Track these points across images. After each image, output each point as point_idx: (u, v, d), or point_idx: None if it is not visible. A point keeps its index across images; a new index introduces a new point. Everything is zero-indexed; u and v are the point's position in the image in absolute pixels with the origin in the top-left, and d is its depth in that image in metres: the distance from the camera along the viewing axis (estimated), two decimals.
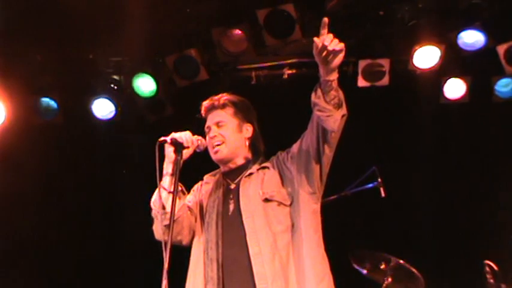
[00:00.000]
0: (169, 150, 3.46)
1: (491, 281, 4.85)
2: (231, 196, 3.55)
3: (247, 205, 3.44)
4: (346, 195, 5.23)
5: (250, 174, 3.58)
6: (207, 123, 3.71)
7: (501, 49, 6.31)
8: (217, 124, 3.64)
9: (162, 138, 3.43)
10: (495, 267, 4.89)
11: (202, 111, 3.74)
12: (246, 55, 6.31)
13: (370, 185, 5.30)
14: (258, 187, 3.50)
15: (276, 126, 6.25)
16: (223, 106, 3.67)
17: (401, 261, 5.12)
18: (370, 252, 5.28)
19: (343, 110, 3.27)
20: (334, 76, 3.21)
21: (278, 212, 3.42)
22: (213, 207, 3.53)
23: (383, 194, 5.26)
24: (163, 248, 3.10)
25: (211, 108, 3.69)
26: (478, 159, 6.87)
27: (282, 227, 3.40)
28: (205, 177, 3.82)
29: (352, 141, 6.78)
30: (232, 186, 3.61)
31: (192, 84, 6.46)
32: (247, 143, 3.70)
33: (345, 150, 6.70)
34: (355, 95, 6.66)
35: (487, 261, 4.91)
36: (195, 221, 3.61)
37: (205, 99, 3.82)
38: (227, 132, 3.62)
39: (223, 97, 3.72)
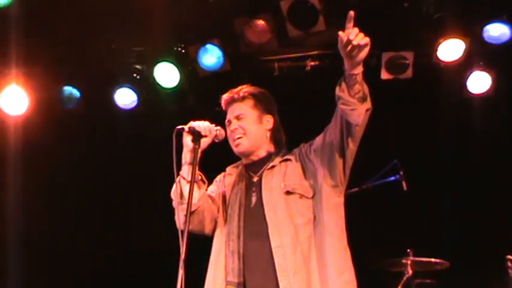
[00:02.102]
0: (187, 139, 3.45)
1: None
2: (254, 189, 3.54)
3: (269, 198, 3.44)
4: (368, 188, 5.21)
5: (273, 166, 3.57)
6: (228, 117, 3.70)
7: None
8: (238, 117, 3.63)
9: (179, 127, 3.41)
10: None
11: (222, 105, 3.73)
12: (268, 46, 6.29)
13: (392, 178, 5.29)
14: (280, 180, 3.49)
15: (299, 118, 6.24)
16: (242, 98, 3.65)
17: (420, 258, 5.12)
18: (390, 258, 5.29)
19: (368, 104, 3.25)
20: (359, 70, 3.19)
21: (300, 205, 3.42)
22: (235, 199, 3.53)
23: (405, 188, 5.24)
24: (180, 237, 3.09)
25: (231, 101, 3.68)
26: (502, 154, 6.80)
27: (304, 220, 3.39)
28: (228, 168, 3.81)
29: (375, 134, 6.79)
30: (255, 178, 3.60)
31: (215, 74, 6.45)
32: (268, 135, 3.69)
33: (367, 142, 6.74)
34: (379, 87, 6.67)
35: (510, 256, 4.88)
36: (218, 211, 3.61)
37: (226, 90, 3.81)
38: (247, 124, 3.61)
39: (243, 89, 3.70)
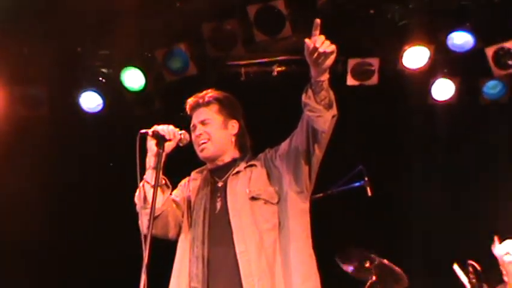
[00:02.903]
0: (151, 143, 3.43)
1: (474, 280, 4.88)
2: (219, 194, 3.54)
3: (234, 203, 3.43)
4: (333, 193, 5.23)
5: (238, 172, 3.57)
6: (193, 121, 3.69)
7: (489, 51, 6.34)
8: (203, 122, 3.61)
9: (143, 131, 3.39)
10: (478, 268, 4.92)
11: (187, 109, 3.72)
12: (235, 51, 6.30)
13: (357, 184, 5.32)
14: (245, 185, 3.49)
15: (265, 123, 6.26)
16: (207, 103, 3.64)
17: (385, 261, 5.14)
18: (356, 251, 5.30)
19: (334, 111, 3.27)
20: (325, 77, 3.21)
21: (265, 211, 3.41)
22: (200, 204, 3.52)
23: (369, 193, 5.27)
24: (143, 242, 3.07)
25: (196, 106, 3.67)
26: (465, 160, 6.89)
27: (269, 225, 3.39)
28: (193, 173, 3.80)
29: (340, 140, 6.85)
30: (220, 184, 3.60)
31: (181, 79, 6.43)
32: (233, 140, 3.69)
33: (333, 148, 6.79)
34: (345, 93, 6.72)
35: (471, 261, 4.94)
36: (182, 216, 3.60)
37: (193, 95, 3.81)
38: (212, 129, 3.60)
39: (208, 94, 3.69)
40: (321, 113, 3.23)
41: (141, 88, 6.44)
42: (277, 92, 6.59)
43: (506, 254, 5.05)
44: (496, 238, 5.22)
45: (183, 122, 3.69)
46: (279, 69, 6.70)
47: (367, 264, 5.21)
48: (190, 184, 3.72)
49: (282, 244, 3.35)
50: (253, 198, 3.44)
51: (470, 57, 6.43)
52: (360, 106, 6.77)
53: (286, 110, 6.72)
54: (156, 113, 6.65)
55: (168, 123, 3.53)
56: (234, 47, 6.20)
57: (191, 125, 3.68)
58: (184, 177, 3.83)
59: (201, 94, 3.71)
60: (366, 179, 5.28)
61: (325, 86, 3.21)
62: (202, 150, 3.61)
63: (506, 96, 6.71)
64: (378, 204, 5.94)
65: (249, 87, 6.61)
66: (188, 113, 3.72)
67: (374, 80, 6.52)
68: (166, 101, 6.70)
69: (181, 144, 3.51)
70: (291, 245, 3.33)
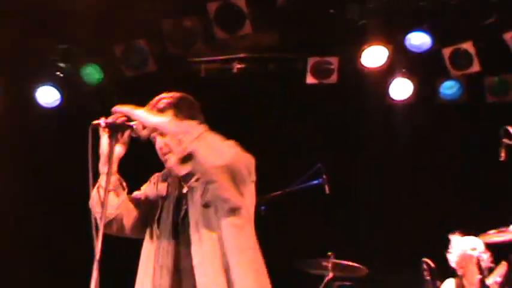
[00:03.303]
0: (103, 141, 3.33)
1: (428, 278, 4.95)
2: (184, 201, 3.44)
3: (193, 212, 3.34)
4: (291, 191, 5.25)
5: (198, 179, 3.45)
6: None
7: (446, 52, 6.44)
8: (161, 134, 3.36)
9: (95, 121, 3.23)
10: (432, 265, 5.00)
11: None
12: (195, 48, 6.28)
13: (315, 182, 5.34)
14: (201, 191, 3.41)
15: (225, 120, 6.25)
16: (162, 111, 3.35)
17: (342, 261, 5.22)
18: (312, 259, 5.37)
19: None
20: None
21: (215, 218, 3.34)
22: (168, 212, 3.43)
23: (327, 191, 5.31)
24: (95, 238, 3.01)
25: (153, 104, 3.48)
26: (422, 158, 6.98)
27: (220, 234, 3.32)
28: (163, 172, 3.68)
29: (299, 138, 6.91)
30: (185, 189, 3.50)
31: (141, 74, 6.39)
32: None
33: (292, 146, 6.83)
34: (304, 91, 6.76)
35: (425, 259, 5.01)
36: (141, 216, 3.52)
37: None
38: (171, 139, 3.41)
39: (161, 101, 3.40)
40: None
41: (100, 83, 6.38)
42: (237, 89, 6.60)
43: (472, 250, 5.17)
44: (455, 234, 5.33)
45: None
46: (239, 66, 6.71)
47: (325, 263, 5.26)
48: (159, 185, 3.62)
49: (231, 253, 3.29)
50: (206, 205, 3.35)
51: (428, 58, 6.52)
52: (319, 105, 6.81)
53: (246, 106, 6.79)
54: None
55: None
56: (194, 44, 6.18)
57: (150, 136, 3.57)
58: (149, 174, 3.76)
59: (153, 102, 3.41)
60: (324, 177, 5.30)
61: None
62: (165, 162, 3.49)
63: (463, 96, 6.81)
64: (336, 202, 5.99)
65: (209, 84, 6.60)
66: None
67: (333, 78, 6.57)
68: (126, 97, 6.63)
69: (134, 135, 3.38)
70: (235, 254, 3.28)
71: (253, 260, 3.22)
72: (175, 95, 3.47)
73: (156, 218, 3.42)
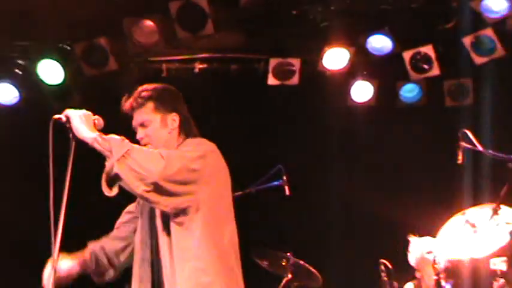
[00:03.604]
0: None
1: (385, 279, 5.00)
2: None
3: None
4: (251, 192, 5.25)
5: None
6: (133, 123, 3.49)
7: (407, 55, 6.52)
8: (142, 125, 3.42)
9: (56, 116, 3.18)
10: (390, 266, 5.05)
11: (125, 111, 3.49)
12: (157, 47, 6.25)
13: (275, 183, 5.35)
14: None
15: None
16: (142, 105, 3.41)
17: (300, 261, 5.23)
18: (271, 250, 5.37)
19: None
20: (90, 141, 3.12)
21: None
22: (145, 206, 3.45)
23: (287, 192, 5.32)
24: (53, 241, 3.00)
25: (131, 109, 3.45)
26: (383, 160, 7.04)
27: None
28: None
29: (260, 139, 6.91)
30: None
31: (101, 74, 6.33)
32: (176, 133, 3.46)
33: (253, 147, 6.83)
34: (265, 93, 6.77)
35: (382, 260, 5.06)
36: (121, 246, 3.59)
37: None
38: (152, 131, 3.40)
39: (141, 93, 3.44)
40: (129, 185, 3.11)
41: (59, 81, 6.31)
42: (199, 89, 6.57)
43: (428, 253, 5.23)
44: (413, 236, 5.39)
45: (109, 121, 3.58)
46: (201, 66, 6.70)
47: (283, 263, 5.26)
48: None
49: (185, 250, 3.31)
50: None
51: (389, 61, 6.58)
52: (280, 106, 6.83)
53: (207, 107, 6.76)
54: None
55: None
56: (156, 43, 6.14)
57: (132, 126, 3.52)
58: None
59: (134, 94, 3.45)
60: (285, 178, 5.31)
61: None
62: None
63: (422, 99, 6.89)
64: (296, 203, 6.01)
65: (170, 83, 6.55)
66: (128, 113, 3.52)
67: (295, 80, 6.59)
68: (86, 96, 6.57)
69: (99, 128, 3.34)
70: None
71: (194, 258, 3.17)
72: (157, 86, 3.49)
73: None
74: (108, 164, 3.06)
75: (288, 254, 5.32)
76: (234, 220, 3.41)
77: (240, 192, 5.16)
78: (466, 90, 6.78)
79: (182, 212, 3.20)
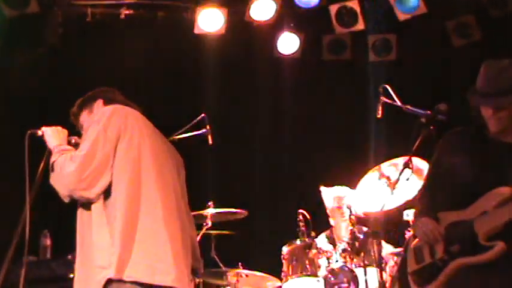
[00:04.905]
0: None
1: (303, 228, 5.11)
2: None
3: None
4: (174, 140, 5.23)
5: None
6: None
7: (333, 9, 6.56)
8: (81, 128, 3.52)
9: (32, 130, 3.34)
10: (308, 216, 5.16)
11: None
12: None
13: (199, 132, 5.34)
14: None
15: (110, 67, 6.16)
16: (78, 115, 3.54)
17: (221, 210, 5.32)
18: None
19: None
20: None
21: None
22: None
23: (210, 142, 5.33)
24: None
25: (75, 122, 3.58)
26: (305, 113, 7.12)
27: None
28: None
29: (184, 87, 6.87)
30: None
31: (22, 15, 6.13)
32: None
33: (177, 96, 6.79)
34: (192, 42, 6.72)
35: (300, 210, 5.16)
36: None
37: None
38: (85, 125, 3.48)
39: (74, 108, 3.57)
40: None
41: None
42: (124, 35, 6.49)
43: (340, 200, 5.38)
44: (324, 186, 5.52)
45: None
46: (127, 12, 6.58)
47: (204, 212, 5.32)
48: None
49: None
50: None
51: (315, 14, 6.61)
52: (207, 55, 6.80)
53: (132, 54, 6.66)
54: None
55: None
56: None
57: None
58: None
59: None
60: (208, 127, 5.31)
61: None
62: None
63: (346, 53, 6.97)
64: (220, 152, 6.05)
65: (95, 28, 6.45)
66: None
67: (221, 29, 6.57)
68: (8, 40, 6.38)
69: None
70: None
71: (85, 244, 3.18)
72: (81, 99, 3.54)
73: None
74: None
75: (209, 202, 5.37)
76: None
77: None
78: (389, 46, 6.89)
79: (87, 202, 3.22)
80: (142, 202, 3.14)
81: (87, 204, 3.15)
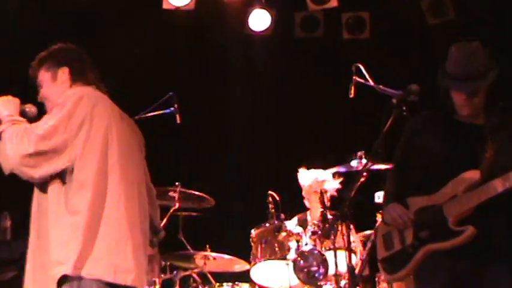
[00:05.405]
0: None
1: (272, 210, 5.04)
2: None
3: None
4: (141, 118, 5.11)
5: None
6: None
7: None
8: (39, 86, 3.44)
9: None
10: (277, 198, 5.08)
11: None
12: None
13: (167, 111, 5.23)
14: None
15: (66, 35, 5.96)
16: (38, 69, 3.44)
17: (188, 191, 5.23)
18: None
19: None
20: None
21: None
22: None
23: (178, 120, 5.22)
24: None
25: (34, 77, 3.45)
26: (277, 90, 7.03)
27: None
28: None
29: (153, 64, 6.72)
30: None
31: None
32: (66, 85, 3.41)
33: (145, 72, 6.65)
34: (160, 18, 6.57)
35: (270, 192, 5.09)
36: None
37: None
38: (45, 89, 3.41)
39: (36, 59, 3.47)
40: None
41: None
42: (86, 12, 6.32)
43: (316, 183, 5.32)
44: (304, 167, 5.47)
45: None
46: None
47: (171, 193, 5.22)
48: None
49: None
50: None
51: None
52: (176, 32, 6.66)
53: (103, 27, 6.50)
54: None
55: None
56: None
57: None
58: None
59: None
60: (176, 106, 5.20)
61: None
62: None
63: (319, 31, 6.87)
64: (188, 132, 5.94)
65: None
66: None
67: (191, 5, 6.42)
68: None
69: (28, 116, 3.29)
70: None
71: (46, 224, 3.09)
72: (50, 48, 3.44)
73: None
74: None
75: (176, 183, 5.27)
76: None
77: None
78: (363, 24, 6.80)
79: (44, 182, 3.13)
80: (108, 198, 3.05)
81: (43, 191, 3.07)
